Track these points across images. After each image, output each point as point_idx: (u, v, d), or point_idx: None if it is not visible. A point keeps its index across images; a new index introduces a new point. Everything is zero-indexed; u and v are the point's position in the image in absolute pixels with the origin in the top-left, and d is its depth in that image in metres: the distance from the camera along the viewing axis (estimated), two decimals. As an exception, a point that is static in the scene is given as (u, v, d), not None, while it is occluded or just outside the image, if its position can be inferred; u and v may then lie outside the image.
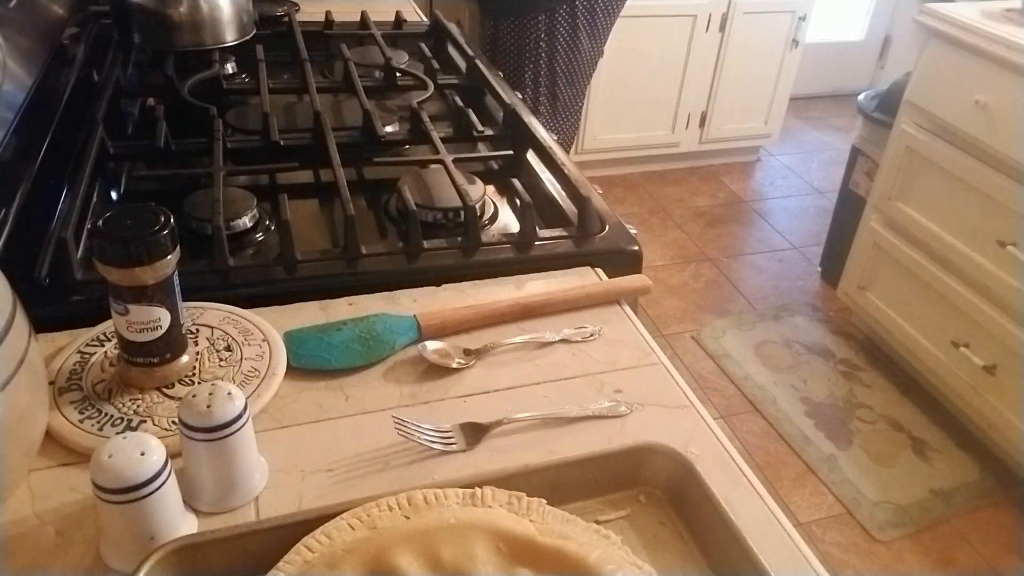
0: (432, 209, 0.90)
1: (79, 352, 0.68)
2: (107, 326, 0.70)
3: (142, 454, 0.50)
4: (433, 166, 0.97)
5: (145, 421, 0.62)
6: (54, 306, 0.72)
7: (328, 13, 1.43)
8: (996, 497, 1.87)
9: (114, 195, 0.96)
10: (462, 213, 0.87)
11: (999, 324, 1.80)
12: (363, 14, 1.43)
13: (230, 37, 1.23)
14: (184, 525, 0.54)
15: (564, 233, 0.88)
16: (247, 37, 1.26)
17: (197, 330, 0.71)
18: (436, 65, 1.29)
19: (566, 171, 0.96)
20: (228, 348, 0.70)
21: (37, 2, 1.19)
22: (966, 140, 1.85)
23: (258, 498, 0.58)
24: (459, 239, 0.85)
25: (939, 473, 1.92)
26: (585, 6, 2.02)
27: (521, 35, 1.99)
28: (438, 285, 0.81)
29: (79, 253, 0.78)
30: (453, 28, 1.43)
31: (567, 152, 2.29)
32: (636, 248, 0.87)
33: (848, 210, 2.40)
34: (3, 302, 0.53)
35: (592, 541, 0.51)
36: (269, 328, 0.72)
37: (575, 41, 2.07)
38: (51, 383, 0.64)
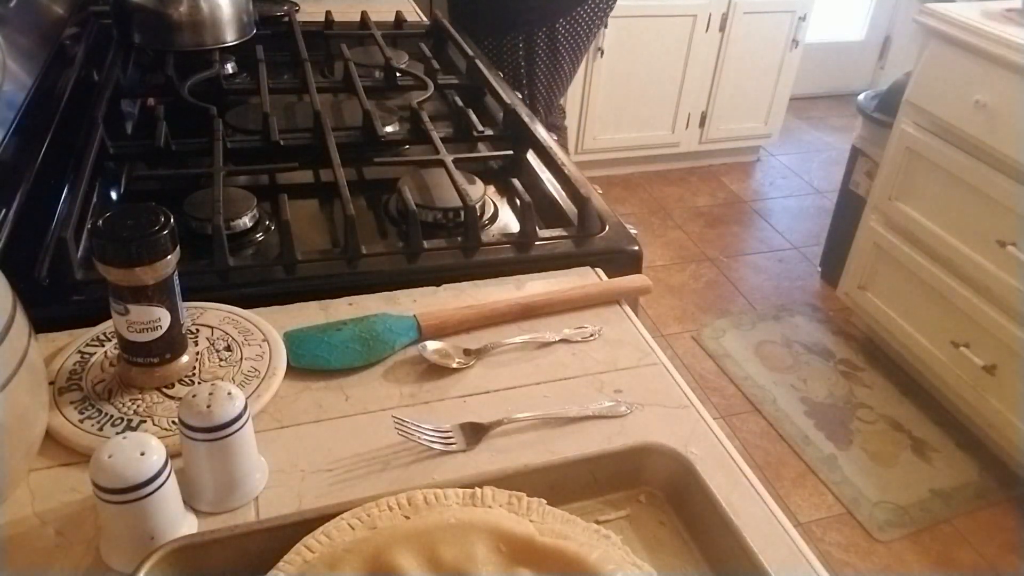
0: (432, 209, 0.90)
1: (79, 352, 0.68)
2: (107, 326, 0.70)
3: (142, 454, 0.50)
4: (433, 166, 0.97)
5: (145, 421, 0.62)
6: (54, 306, 0.72)
7: (328, 13, 1.43)
8: (996, 497, 1.87)
9: (114, 195, 0.96)
10: (462, 213, 0.87)
11: (999, 324, 1.80)
12: (363, 14, 1.43)
13: (230, 37, 1.23)
14: (184, 525, 0.54)
15: (564, 233, 0.88)
16: (247, 37, 1.26)
17: (197, 330, 0.71)
18: (436, 65, 1.29)
19: (566, 171, 0.96)
20: (228, 348, 0.70)
21: (37, 2, 1.19)
22: (966, 140, 1.85)
23: (258, 498, 0.58)
24: (459, 239, 0.85)
25: (939, 473, 1.92)
26: (566, 27, 1.97)
27: (500, 56, 1.97)
28: (438, 285, 0.81)
29: (79, 253, 0.78)
30: (453, 28, 1.43)
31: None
32: (636, 248, 0.87)
33: (848, 210, 2.40)
34: (3, 302, 0.53)
35: (592, 541, 0.51)
36: (269, 328, 0.72)
37: (555, 62, 2.03)
38: (51, 383, 0.64)
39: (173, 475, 0.52)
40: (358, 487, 0.59)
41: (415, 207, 0.84)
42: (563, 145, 2.35)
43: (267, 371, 0.67)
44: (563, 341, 0.75)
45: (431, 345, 0.71)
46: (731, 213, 3.01)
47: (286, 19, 1.40)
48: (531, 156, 1.05)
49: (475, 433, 0.63)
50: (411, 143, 1.07)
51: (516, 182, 0.96)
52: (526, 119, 1.08)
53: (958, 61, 1.84)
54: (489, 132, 1.08)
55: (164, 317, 0.63)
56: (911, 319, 2.08)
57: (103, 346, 0.69)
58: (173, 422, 0.62)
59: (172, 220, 0.61)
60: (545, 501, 0.53)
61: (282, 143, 0.99)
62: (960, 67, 1.84)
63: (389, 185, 0.96)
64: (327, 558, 0.48)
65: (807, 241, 2.84)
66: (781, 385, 2.16)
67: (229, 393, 0.54)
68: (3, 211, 0.81)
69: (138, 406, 0.63)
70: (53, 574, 0.52)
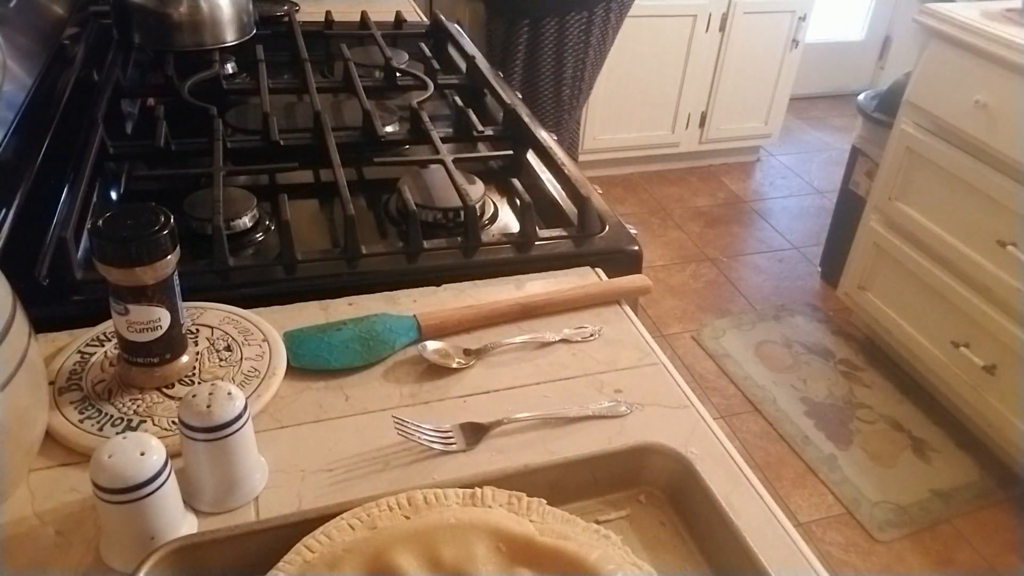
0: (432, 209, 0.90)
1: (79, 352, 0.68)
2: (107, 326, 0.70)
3: (142, 454, 0.50)
4: (433, 166, 0.97)
5: (145, 421, 0.62)
6: (54, 306, 0.72)
7: (328, 13, 1.43)
8: (996, 497, 1.87)
9: (114, 195, 0.96)
10: (462, 213, 0.87)
11: (999, 324, 1.80)
12: (363, 14, 1.43)
13: (230, 37, 1.23)
14: (184, 525, 0.54)
15: (564, 233, 0.88)
16: (247, 37, 1.26)
17: (197, 330, 0.71)
18: (436, 65, 1.29)
19: (566, 171, 0.96)
20: (228, 348, 0.70)
21: (37, 2, 1.19)
22: (966, 140, 1.85)
23: (258, 498, 0.58)
24: (459, 239, 0.85)
25: (939, 473, 1.92)
26: (618, 3, 2.03)
27: (562, 35, 1.99)
28: (438, 285, 0.81)
29: (79, 253, 0.78)
30: (453, 28, 1.43)
31: (575, 153, 2.27)
32: (636, 248, 0.87)
33: (848, 210, 2.40)
34: (3, 302, 0.53)
35: (592, 541, 0.51)
36: (269, 328, 0.72)
37: (604, 41, 2.09)
38: (51, 383, 0.64)
39: (173, 475, 0.52)
40: (358, 487, 0.59)
41: (415, 207, 0.84)
42: (573, 142, 2.36)
43: (267, 371, 0.67)
44: (563, 341, 0.75)
45: (431, 345, 0.71)
46: (731, 213, 3.01)
47: (286, 19, 1.40)
48: (531, 156, 1.05)
49: (475, 433, 0.63)
50: (411, 143, 1.07)
51: (516, 182, 0.95)
52: (526, 119, 1.08)
53: (958, 61, 1.84)
54: (489, 132, 1.08)
55: (164, 317, 0.63)
56: (911, 319, 2.08)
57: (103, 346, 0.69)
58: (173, 422, 0.62)
59: (172, 220, 0.61)
60: (545, 501, 0.53)
61: (282, 143, 0.99)
62: (960, 67, 1.84)
63: (389, 185, 0.96)
64: (327, 558, 0.48)
65: (807, 241, 2.84)
66: (781, 385, 2.16)
67: (229, 393, 0.54)
68: (3, 211, 0.81)
69: (138, 406, 0.63)
70: (53, 574, 0.52)
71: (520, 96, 2.06)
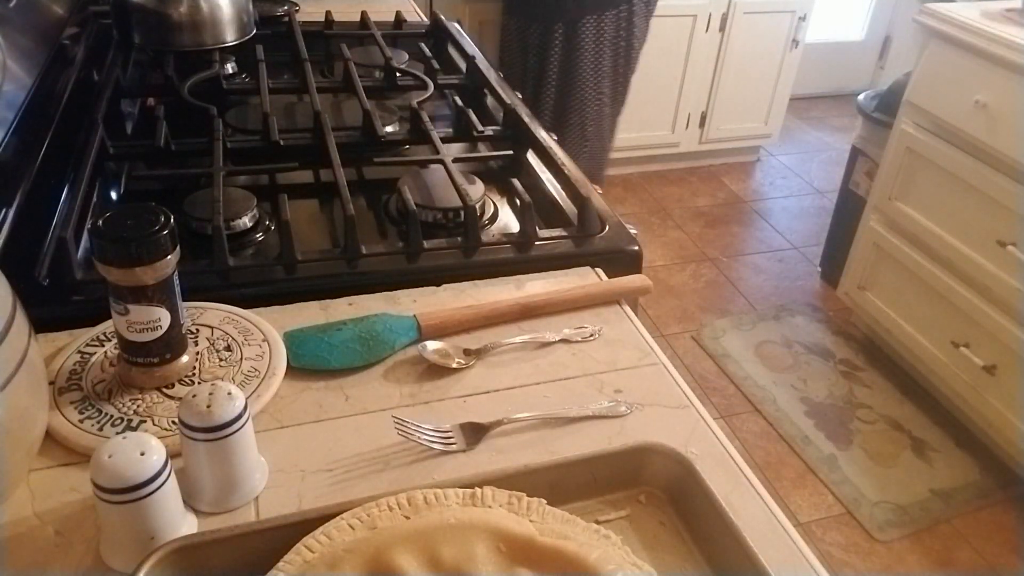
0: (432, 209, 0.90)
1: (79, 352, 0.68)
2: (107, 326, 0.70)
3: (142, 454, 0.50)
4: (433, 166, 0.97)
5: (145, 421, 0.62)
6: (54, 306, 0.72)
7: (328, 13, 1.43)
8: (996, 497, 1.87)
9: (114, 195, 0.96)
10: (462, 213, 0.87)
11: (999, 324, 1.80)
12: (363, 14, 1.43)
13: (230, 37, 1.23)
14: (184, 525, 0.54)
15: (564, 233, 0.88)
16: (247, 37, 1.26)
17: (197, 330, 0.71)
18: (436, 65, 1.29)
19: (566, 171, 0.96)
20: (228, 348, 0.70)
21: (37, 2, 1.19)
22: (966, 140, 1.85)
23: (258, 498, 0.58)
24: (459, 239, 0.85)
25: (939, 473, 1.92)
26: None
27: (600, 31, 2.00)
28: (438, 285, 0.81)
29: (79, 253, 0.78)
30: (453, 28, 1.43)
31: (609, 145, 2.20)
32: (636, 248, 0.87)
33: (848, 210, 2.40)
34: (3, 302, 0.53)
35: (592, 541, 0.51)
36: (269, 328, 0.72)
37: (645, 28, 2.10)
38: (51, 383, 0.64)
39: (173, 475, 0.52)
40: (358, 487, 0.59)
41: (415, 207, 0.84)
42: (603, 142, 2.35)
43: (267, 371, 0.67)
44: (563, 341, 0.75)
45: (431, 345, 0.71)
46: (731, 213, 3.01)
47: (286, 19, 1.40)
48: (531, 156, 1.05)
49: (475, 433, 0.63)
50: (411, 143, 1.07)
51: (516, 182, 0.96)
52: (526, 119, 1.08)
53: (958, 61, 1.84)
54: (489, 132, 1.08)
55: (164, 317, 0.63)
56: (911, 319, 2.08)
57: (103, 346, 0.69)
58: (173, 422, 0.62)
59: (172, 220, 0.61)
60: (545, 501, 0.53)
61: (282, 143, 0.99)
62: (960, 67, 1.84)
63: (389, 185, 0.96)
64: (327, 558, 0.48)
65: (807, 241, 2.84)
66: (781, 385, 2.16)
67: (229, 393, 0.54)
68: (3, 211, 0.81)
69: (138, 406, 0.63)
70: (53, 574, 0.52)
71: (553, 96, 2.06)
